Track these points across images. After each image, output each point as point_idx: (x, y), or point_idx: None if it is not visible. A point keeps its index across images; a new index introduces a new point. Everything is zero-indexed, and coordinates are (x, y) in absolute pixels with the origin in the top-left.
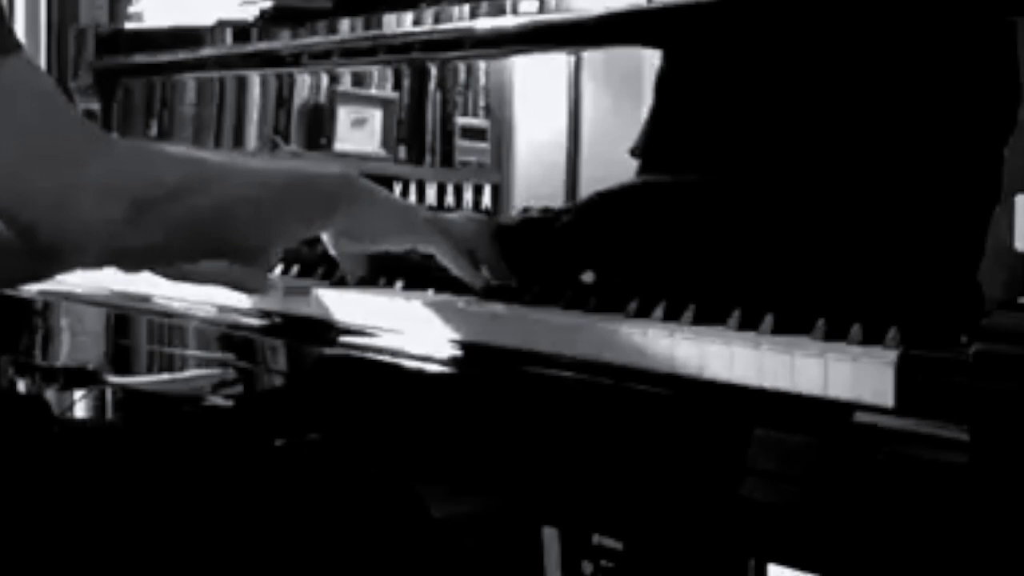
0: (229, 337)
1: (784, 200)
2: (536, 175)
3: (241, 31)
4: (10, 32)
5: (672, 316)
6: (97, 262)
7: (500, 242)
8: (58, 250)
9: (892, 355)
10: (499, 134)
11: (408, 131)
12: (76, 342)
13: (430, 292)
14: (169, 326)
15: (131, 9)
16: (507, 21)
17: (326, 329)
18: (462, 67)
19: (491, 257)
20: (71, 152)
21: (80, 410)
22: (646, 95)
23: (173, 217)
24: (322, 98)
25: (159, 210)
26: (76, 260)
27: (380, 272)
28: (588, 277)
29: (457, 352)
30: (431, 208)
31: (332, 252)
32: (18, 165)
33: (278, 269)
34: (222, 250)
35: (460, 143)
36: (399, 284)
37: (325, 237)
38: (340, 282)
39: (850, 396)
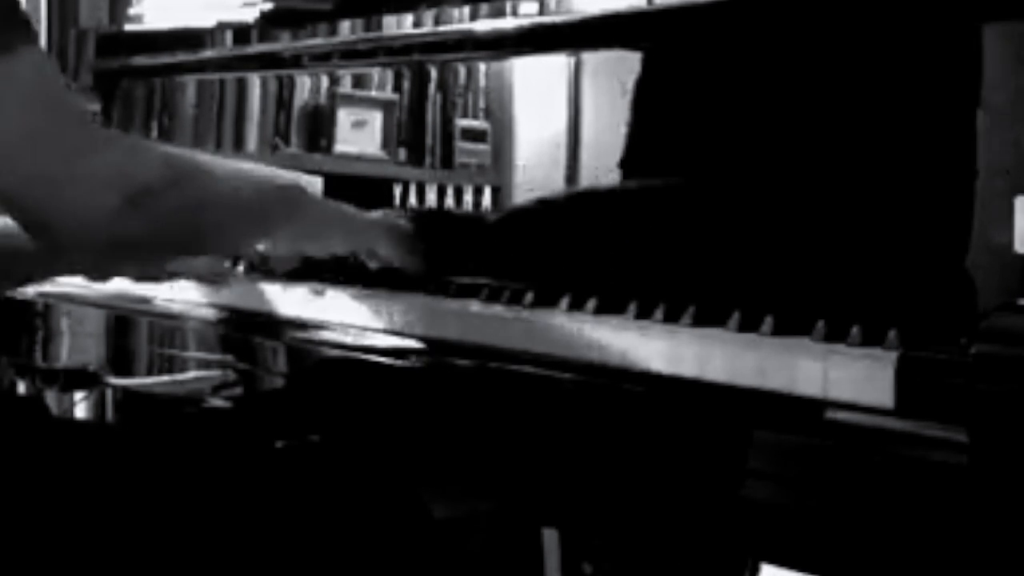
0: (229, 338)
1: (785, 203)
2: (536, 177)
3: (241, 33)
4: (26, 24)
5: (672, 318)
6: (95, 254)
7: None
8: (59, 238)
9: (892, 356)
10: (499, 136)
11: (408, 133)
12: (76, 343)
13: (420, 293)
14: (169, 327)
15: (131, 11)
16: (507, 23)
17: (322, 329)
18: (462, 69)
19: (400, 257)
20: (72, 144)
21: (80, 411)
22: (646, 97)
23: (162, 210)
24: (322, 100)
25: (150, 202)
26: (76, 252)
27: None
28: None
29: (458, 354)
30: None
31: (266, 252)
32: (21, 153)
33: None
34: (201, 245)
35: (460, 145)
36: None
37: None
38: (346, 283)
39: (850, 397)
